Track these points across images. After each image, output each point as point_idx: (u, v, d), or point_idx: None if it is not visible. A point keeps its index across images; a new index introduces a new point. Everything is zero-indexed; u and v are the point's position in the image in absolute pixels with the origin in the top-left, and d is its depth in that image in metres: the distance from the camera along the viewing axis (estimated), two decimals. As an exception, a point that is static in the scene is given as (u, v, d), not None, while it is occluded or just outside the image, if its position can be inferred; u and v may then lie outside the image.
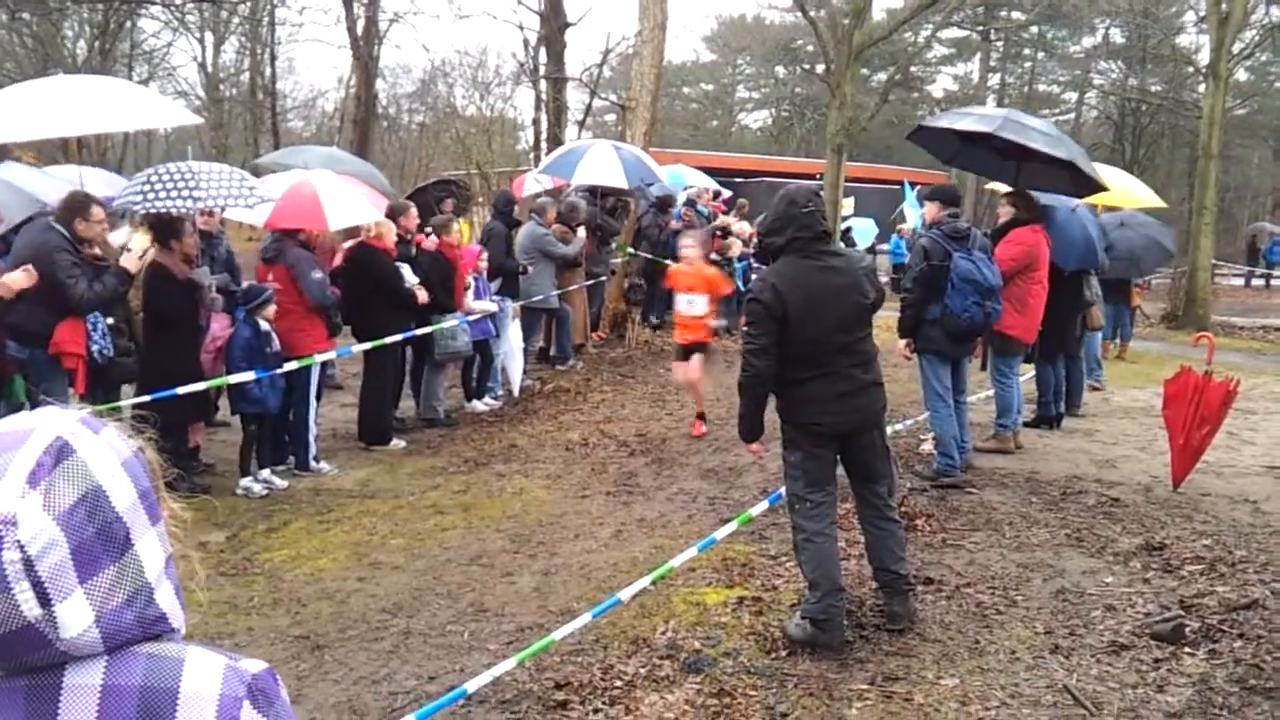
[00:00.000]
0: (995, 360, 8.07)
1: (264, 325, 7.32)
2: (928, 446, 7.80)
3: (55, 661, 1.14)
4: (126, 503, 1.19)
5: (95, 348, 6.56)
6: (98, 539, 1.15)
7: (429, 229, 9.38)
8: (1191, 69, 33.29)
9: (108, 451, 1.20)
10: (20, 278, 5.87)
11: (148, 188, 6.89)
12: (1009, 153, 8.14)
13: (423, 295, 8.67)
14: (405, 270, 8.71)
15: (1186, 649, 4.65)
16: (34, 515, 1.10)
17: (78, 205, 6.53)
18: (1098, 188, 8.31)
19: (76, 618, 1.12)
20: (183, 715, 1.16)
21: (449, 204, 12.18)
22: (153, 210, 6.86)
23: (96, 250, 6.61)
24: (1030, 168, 8.23)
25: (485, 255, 10.15)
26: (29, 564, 1.09)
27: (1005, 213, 8.13)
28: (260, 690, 1.23)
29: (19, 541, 1.09)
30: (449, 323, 9.06)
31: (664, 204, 13.90)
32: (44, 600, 1.10)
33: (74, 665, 1.15)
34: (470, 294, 9.54)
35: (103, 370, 6.70)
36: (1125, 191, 12.06)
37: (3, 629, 1.10)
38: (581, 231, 11.46)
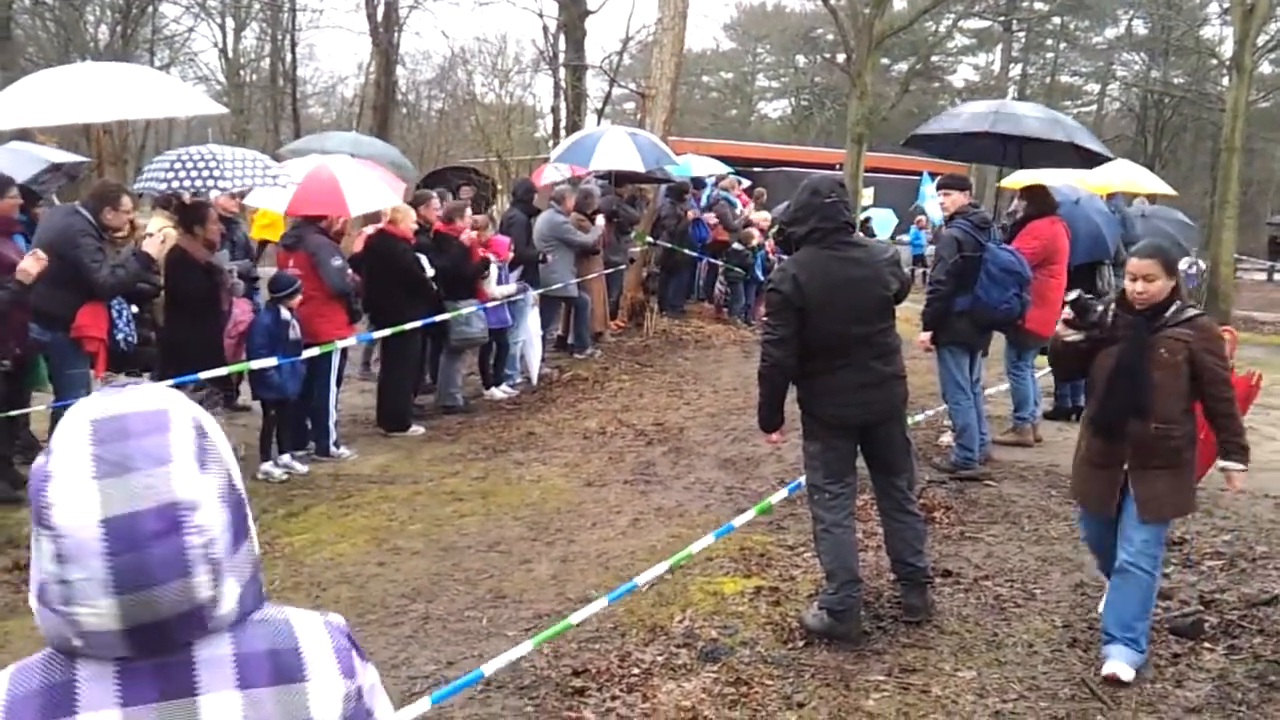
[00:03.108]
0: (1010, 353, 8.03)
1: (285, 313, 7.35)
2: (946, 439, 7.78)
3: (186, 641, 1.15)
4: (240, 481, 1.23)
5: (120, 335, 6.60)
6: (237, 514, 1.19)
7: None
8: (1215, 61, 33.00)
9: (220, 431, 1.23)
10: (30, 264, 5.89)
11: (171, 173, 6.93)
12: (1009, 138, 8.14)
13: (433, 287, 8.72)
14: (424, 260, 8.72)
15: (1205, 644, 4.64)
16: (209, 499, 1.13)
17: (108, 194, 6.57)
18: (1104, 159, 8.33)
19: (231, 594, 1.16)
20: (311, 670, 1.21)
21: (466, 191, 12.19)
22: (179, 191, 6.90)
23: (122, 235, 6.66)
24: (1033, 148, 8.23)
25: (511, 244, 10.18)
26: (208, 547, 1.12)
27: (1021, 208, 8.09)
28: (353, 639, 1.30)
29: (200, 526, 1.11)
30: (464, 310, 9.08)
31: (679, 192, 13.89)
32: (216, 581, 1.13)
33: (200, 641, 1.16)
34: (492, 281, 9.55)
35: (126, 357, 6.74)
36: (1131, 181, 12.01)
37: (173, 612, 1.11)
38: (600, 219, 11.45)
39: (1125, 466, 4.32)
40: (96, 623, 1.09)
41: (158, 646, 1.13)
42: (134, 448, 1.11)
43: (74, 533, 1.08)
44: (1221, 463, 4.33)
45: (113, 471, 1.09)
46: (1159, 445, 4.27)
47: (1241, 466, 4.28)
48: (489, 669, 3.94)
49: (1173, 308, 4.25)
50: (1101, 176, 10.32)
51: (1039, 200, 7.95)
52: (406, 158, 15.46)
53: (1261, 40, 21.29)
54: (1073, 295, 4.55)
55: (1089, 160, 8.34)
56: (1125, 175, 11.86)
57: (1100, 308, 4.46)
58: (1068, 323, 4.51)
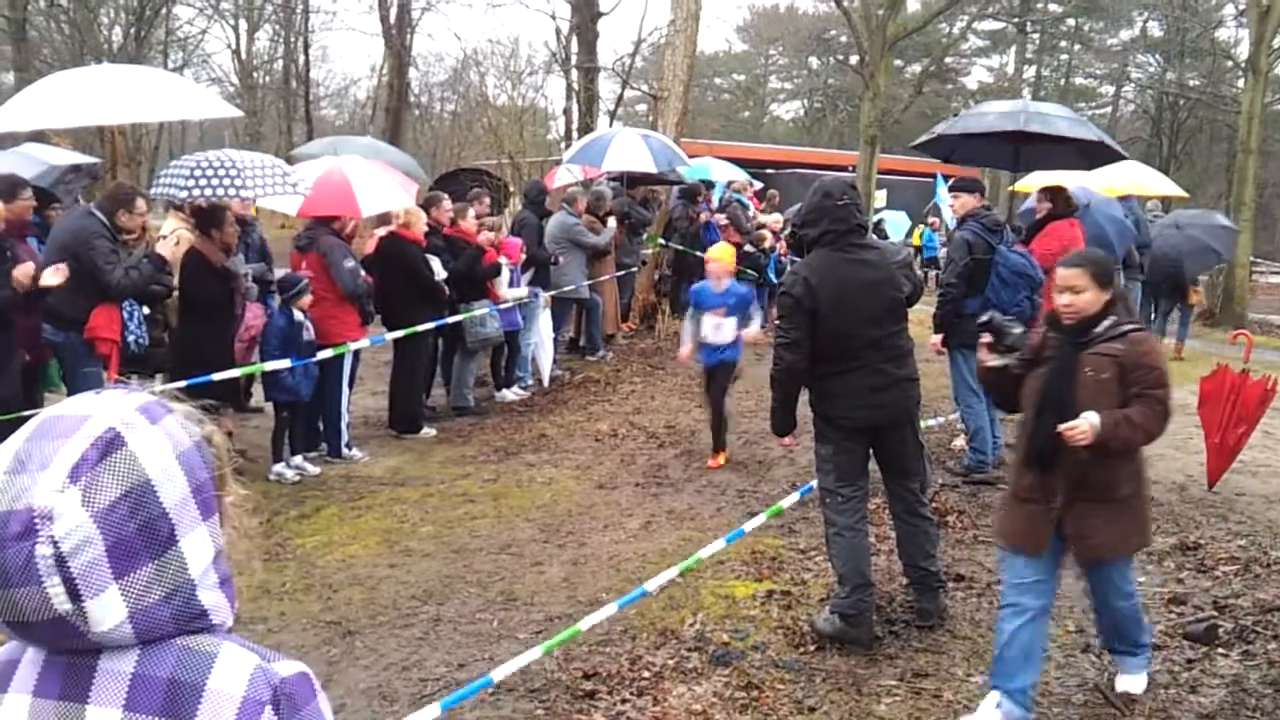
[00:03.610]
0: None
1: (298, 315, 7.36)
2: (959, 442, 7.76)
3: (89, 648, 1.15)
4: (175, 498, 1.17)
5: (131, 337, 6.63)
6: (138, 535, 1.14)
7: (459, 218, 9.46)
8: (1230, 63, 32.89)
9: (163, 443, 1.18)
10: (51, 276, 5.90)
11: (191, 180, 6.94)
12: (1009, 138, 8.14)
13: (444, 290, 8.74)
14: (435, 263, 8.73)
15: (1220, 650, 4.62)
16: (71, 511, 1.09)
17: (122, 197, 6.60)
18: (1111, 155, 8.28)
19: (108, 613, 1.12)
20: (205, 712, 1.16)
21: (480, 203, 12.20)
22: (200, 200, 6.93)
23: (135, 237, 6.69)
24: (1030, 150, 8.21)
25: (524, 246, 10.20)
26: (61, 560, 1.09)
27: (1042, 208, 8.05)
28: (286, 694, 1.21)
29: (52, 537, 1.08)
30: (478, 311, 9.09)
31: (691, 194, 13.88)
32: (74, 596, 1.10)
33: (109, 650, 1.16)
34: (503, 283, 9.56)
35: (138, 359, 6.77)
36: (1140, 184, 11.94)
37: (36, 617, 1.10)
38: (612, 221, 11.45)
39: (1058, 502, 3.87)
40: None
41: (43, 645, 1.16)
42: (36, 449, 1.12)
43: None
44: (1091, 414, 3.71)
45: (14, 468, 1.11)
46: (1091, 476, 3.82)
47: (1091, 425, 3.65)
48: (498, 675, 3.94)
49: (1105, 323, 3.82)
50: (1107, 178, 10.27)
51: (1061, 201, 7.91)
52: (419, 159, 15.50)
53: (1278, 42, 21.16)
54: (985, 317, 4.23)
55: (1091, 159, 8.32)
56: (1133, 177, 11.80)
57: (1018, 329, 4.16)
58: (988, 346, 4.22)
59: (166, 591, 1.16)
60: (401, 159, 13.24)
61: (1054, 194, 8.00)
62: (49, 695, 1.16)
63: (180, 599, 1.18)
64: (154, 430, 1.18)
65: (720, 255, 7.75)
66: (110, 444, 1.14)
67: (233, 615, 1.26)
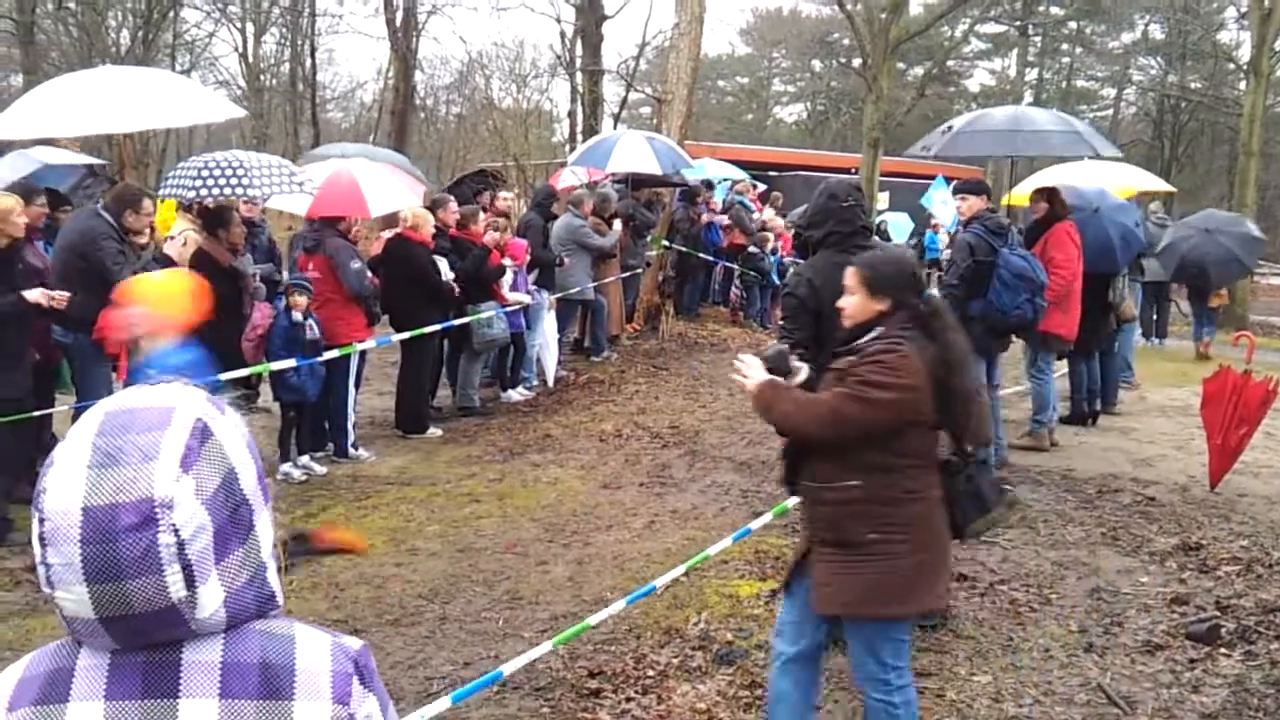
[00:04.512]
0: (1029, 356, 8.03)
1: (296, 315, 7.35)
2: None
3: (179, 639, 1.17)
4: (252, 484, 1.22)
5: None
6: (230, 521, 1.18)
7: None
8: (1232, 65, 32.82)
9: (236, 432, 1.23)
10: (39, 297, 5.91)
11: (199, 180, 6.99)
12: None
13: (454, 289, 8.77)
14: (442, 264, 8.77)
15: (1222, 650, 4.64)
16: (188, 499, 1.13)
17: (129, 197, 6.64)
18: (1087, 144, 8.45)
19: (212, 598, 1.15)
20: (301, 691, 1.19)
21: (485, 196, 12.24)
22: (209, 200, 6.97)
23: (143, 240, 6.72)
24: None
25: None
26: (181, 547, 1.12)
27: (1039, 209, 8.06)
28: (365, 666, 1.27)
29: (174, 525, 1.11)
30: (485, 313, 9.12)
31: (692, 196, 13.93)
32: (190, 582, 1.13)
33: (191, 642, 1.18)
34: (506, 285, 9.59)
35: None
36: (1126, 186, 11.88)
37: (146, 608, 1.12)
38: (617, 223, 11.48)
39: (806, 533, 3.48)
40: (74, 609, 1.12)
41: (137, 640, 1.15)
42: (128, 441, 1.13)
43: (55, 517, 1.11)
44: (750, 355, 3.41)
45: (104, 462, 1.12)
46: (819, 511, 3.36)
47: (758, 380, 3.33)
48: (507, 669, 3.98)
49: (871, 334, 3.30)
50: (1092, 177, 10.21)
51: (1058, 203, 7.93)
52: (423, 163, 15.53)
53: (1279, 44, 21.17)
54: (770, 351, 3.59)
55: (1076, 145, 8.46)
56: (1121, 183, 11.67)
57: (794, 357, 3.58)
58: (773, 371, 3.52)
59: (250, 574, 1.21)
60: (399, 160, 13.28)
61: (1050, 195, 8.01)
62: (129, 696, 1.15)
63: (259, 581, 1.22)
64: (227, 421, 1.23)
65: None
66: (204, 434, 1.18)
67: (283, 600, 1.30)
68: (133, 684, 1.16)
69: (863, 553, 3.21)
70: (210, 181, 6.96)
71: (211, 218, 7.11)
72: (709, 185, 15.14)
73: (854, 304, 3.40)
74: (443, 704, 3.69)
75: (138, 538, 1.10)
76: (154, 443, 1.13)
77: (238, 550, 1.18)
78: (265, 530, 1.24)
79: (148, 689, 1.15)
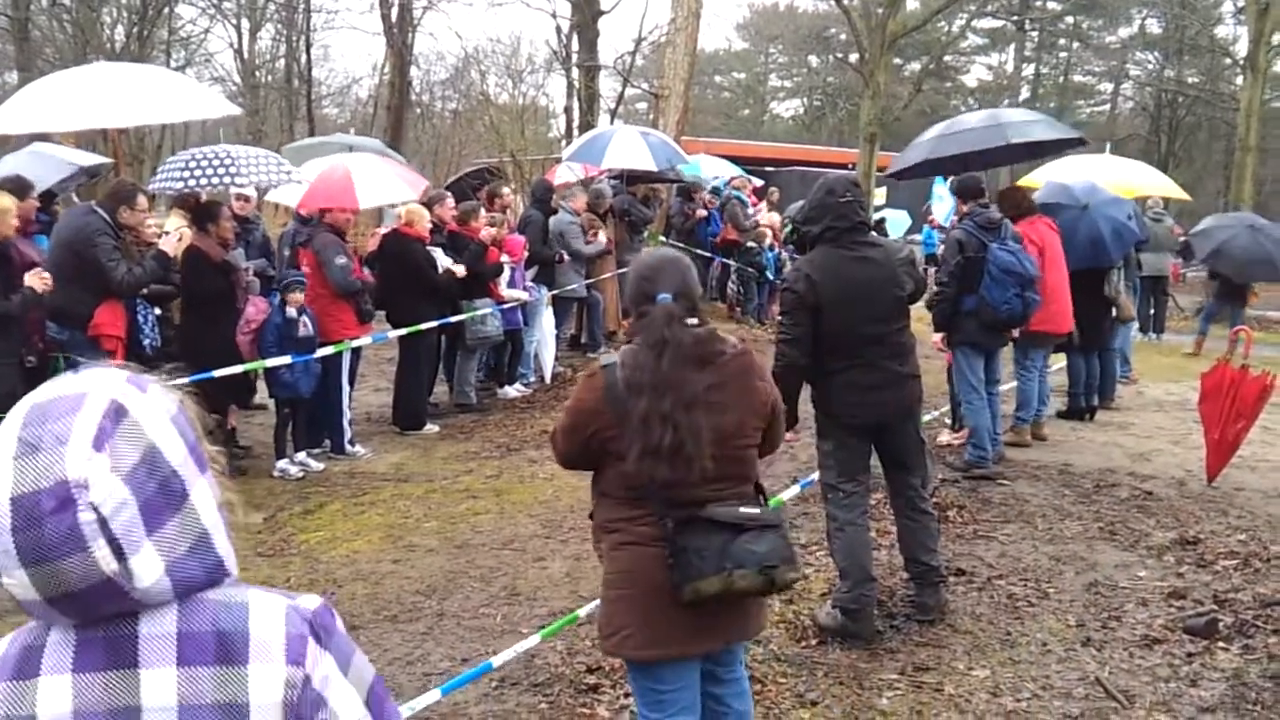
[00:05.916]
0: (1017, 353, 7.96)
1: (290, 311, 7.34)
2: (944, 438, 7.83)
3: (129, 610, 1.22)
4: (179, 457, 1.25)
5: (146, 340, 6.67)
6: (159, 493, 1.22)
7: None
8: (1229, 60, 32.90)
9: (158, 409, 1.26)
10: (35, 283, 5.91)
11: (187, 172, 6.99)
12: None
13: (460, 270, 8.74)
14: (439, 255, 8.74)
15: (1220, 644, 4.63)
16: (103, 476, 1.17)
17: (124, 194, 6.62)
18: (1062, 144, 8.68)
19: (149, 568, 1.19)
20: (255, 656, 1.24)
21: (483, 193, 12.22)
22: (195, 190, 6.97)
23: (141, 236, 6.71)
24: (977, 155, 8.42)
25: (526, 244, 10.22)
26: (103, 523, 1.15)
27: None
28: (321, 626, 1.31)
29: (92, 503, 1.15)
30: (481, 310, 9.10)
31: (688, 192, 13.90)
32: (119, 555, 1.17)
33: (146, 615, 1.23)
34: (503, 282, 9.57)
35: (152, 360, 6.78)
36: (1125, 185, 11.82)
37: (84, 584, 1.16)
38: (602, 236, 11.38)
39: None
40: (22, 593, 1.17)
41: (88, 615, 1.20)
42: (46, 430, 1.17)
43: None
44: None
45: (26, 452, 1.16)
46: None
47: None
48: (497, 661, 3.98)
49: None
50: (1100, 173, 10.19)
51: (1010, 204, 7.78)
52: (419, 160, 15.51)
53: (1277, 39, 21.19)
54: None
55: (1045, 151, 8.54)
56: (1119, 182, 11.59)
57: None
58: None
59: (191, 543, 1.24)
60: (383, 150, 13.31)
61: (1000, 198, 7.93)
62: (93, 669, 1.21)
63: (202, 549, 1.26)
64: (147, 398, 1.26)
65: None
66: (117, 413, 1.21)
67: (236, 565, 1.33)
68: (97, 657, 1.22)
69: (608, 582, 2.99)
70: (199, 173, 6.97)
71: (201, 213, 7.10)
72: (714, 191, 15.13)
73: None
74: (432, 696, 3.69)
75: (60, 519, 1.14)
76: (66, 428, 1.18)
77: (173, 520, 1.22)
78: (203, 498, 1.27)
79: (110, 661, 1.21)
